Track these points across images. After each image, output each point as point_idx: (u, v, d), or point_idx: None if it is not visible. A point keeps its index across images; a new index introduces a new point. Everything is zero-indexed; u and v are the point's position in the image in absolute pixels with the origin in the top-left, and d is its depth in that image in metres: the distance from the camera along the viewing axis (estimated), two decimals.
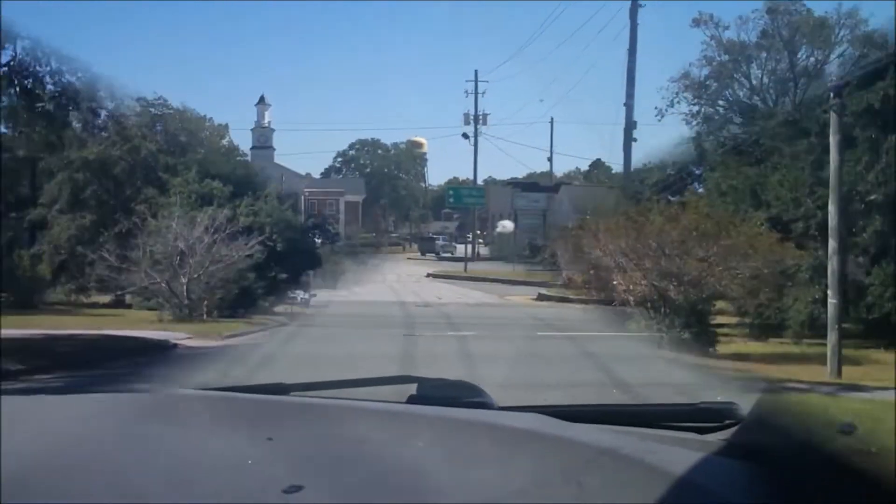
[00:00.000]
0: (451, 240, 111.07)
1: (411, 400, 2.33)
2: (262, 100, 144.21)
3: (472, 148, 75.99)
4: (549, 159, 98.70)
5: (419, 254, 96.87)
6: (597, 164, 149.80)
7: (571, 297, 22.62)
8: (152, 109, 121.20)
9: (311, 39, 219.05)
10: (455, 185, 45.25)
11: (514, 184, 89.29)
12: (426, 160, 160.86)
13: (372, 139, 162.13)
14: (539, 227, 74.61)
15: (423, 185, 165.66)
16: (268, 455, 1.72)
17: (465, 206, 41.66)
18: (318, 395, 2.47)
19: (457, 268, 45.36)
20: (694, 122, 74.90)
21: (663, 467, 1.62)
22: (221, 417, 2.10)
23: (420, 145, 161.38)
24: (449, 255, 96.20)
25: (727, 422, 2.13)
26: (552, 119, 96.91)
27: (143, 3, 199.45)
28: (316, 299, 23.80)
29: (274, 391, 2.46)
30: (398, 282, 31.97)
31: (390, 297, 23.10)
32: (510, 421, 2.01)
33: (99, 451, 1.80)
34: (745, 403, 2.05)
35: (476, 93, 75.36)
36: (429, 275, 37.96)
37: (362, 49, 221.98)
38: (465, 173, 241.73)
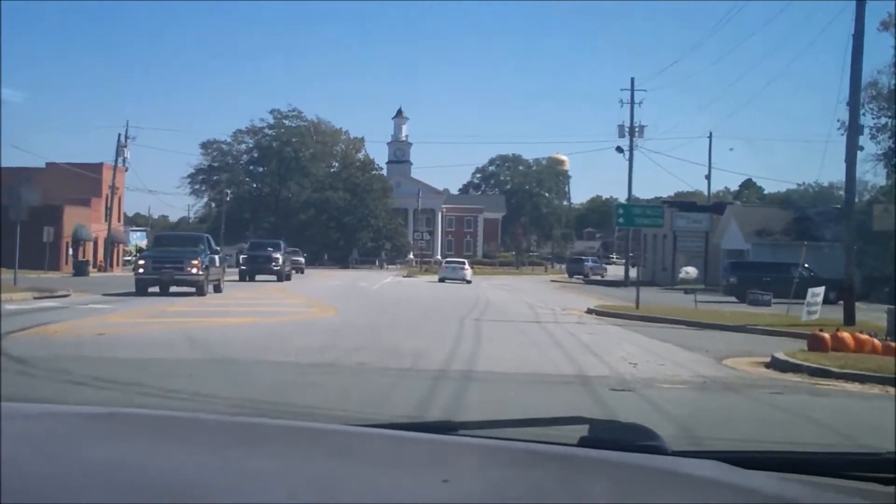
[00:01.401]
0: (600, 260, 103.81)
1: (582, 442, 2.24)
2: (399, 113, 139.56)
3: (626, 162, 67.76)
4: (707, 177, 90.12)
5: (566, 275, 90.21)
6: (748, 184, 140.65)
7: (859, 371, 14.84)
8: (286, 121, 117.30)
9: (449, 48, 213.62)
10: (625, 203, 36.27)
11: (671, 202, 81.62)
12: (569, 177, 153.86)
13: (513, 154, 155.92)
14: (700, 250, 66.59)
15: (566, 203, 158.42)
16: (444, 498, 1.70)
17: (637, 226, 32.96)
18: (488, 433, 2.39)
19: (621, 298, 38.14)
20: (880, 137, 65.78)
21: None
22: (391, 456, 2.10)
23: (562, 162, 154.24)
24: (599, 277, 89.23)
25: None
26: (711, 134, 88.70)
27: (275, 7, 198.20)
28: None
29: (443, 429, 2.40)
30: (555, 321, 24.73)
31: (558, 357, 15.83)
32: (688, 468, 1.98)
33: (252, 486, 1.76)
34: None
35: (632, 102, 67.58)
36: (590, 310, 30.42)
37: (503, 57, 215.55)
38: (606, 191, 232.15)
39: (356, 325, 20.82)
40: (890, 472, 1.99)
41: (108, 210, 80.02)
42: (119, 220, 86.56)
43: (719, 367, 15.41)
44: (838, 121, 66.81)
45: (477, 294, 42.63)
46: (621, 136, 68.10)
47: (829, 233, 56.91)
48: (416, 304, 31.95)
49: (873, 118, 64.39)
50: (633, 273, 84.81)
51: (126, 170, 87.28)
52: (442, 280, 62.82)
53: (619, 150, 67.79)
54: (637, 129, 67.76)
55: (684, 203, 78.23)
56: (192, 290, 32.36)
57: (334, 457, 2.06)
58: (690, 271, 41.00)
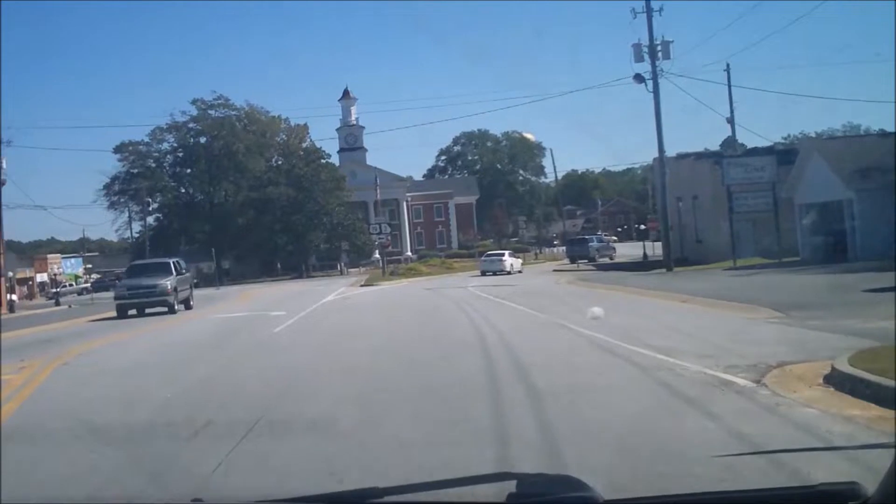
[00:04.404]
0: (606, 239, 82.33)
1: (511, 499, 2.11)
2: (346, 94, 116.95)
3: (651, 93, 46.50)
4: (730, 120, 69.24)
5: (567, 261, 69.53)
6: (729, 143, 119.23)
7: None
8: (212, 112, 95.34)
9: (391, 11, 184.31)
10: None
11: (702, 155, 60.80)
12: (545, 149, 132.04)
13: (479, 130, 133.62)
14: (768, 209, 45.46)
15: (545, 180, 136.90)
16: None
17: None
18: (415, 497, 2.23)
19: (775, 306, 17.08)
20: None
21: None
22: None
23: (529, 140, 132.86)
24: (608, 259, 68.46)
25: (850, 503, 1.98)
26: (728, 67, 67.43)
27: None
28: None
29: (368, 496, 2.21)
30: None
31: None
32: None
33: None
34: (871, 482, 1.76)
35: (649, 11, 46.28)
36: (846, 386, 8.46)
37: (458, 13, 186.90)
38: (581, 164, 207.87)
39: None
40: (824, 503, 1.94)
41: None
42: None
43: None
44: None
45: (469, 318, 21.66)
46: (638, 59, 46.99)
47: None
48: (327, 395, 10.38)
49: None
50: (630, 248, 64.44)
51: (3, 183, 65.39)
52: (483, 273, 57.66)
53: (640, 78, 46.64)
54: (661, 47, 46.52)
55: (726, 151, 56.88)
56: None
57: None
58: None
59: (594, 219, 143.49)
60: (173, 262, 36.65)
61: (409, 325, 21.42)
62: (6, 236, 68.84)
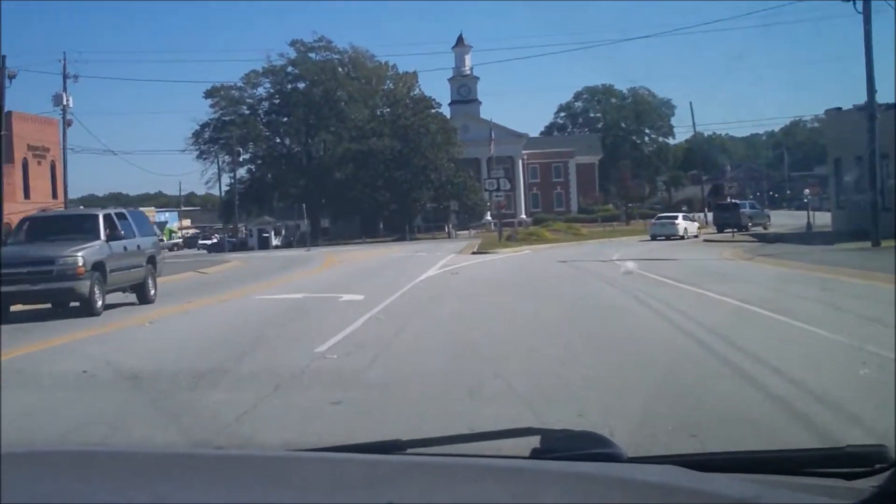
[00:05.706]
0: (760, 205, 70.90)
1: (535, 454, 2.12)
2: (460, 41, 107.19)
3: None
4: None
5: (714, 229, 58.79)
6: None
7: None
8: (312, 55, 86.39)
9: None
10: None
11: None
12: (673, 108, 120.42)
13: (603, 86, 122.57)
14: None
15: (672, 141, 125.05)
16: None
17: None
18: (438, 450, 2.26)
19: None
20: None
21: None
22: (335, 481, 1.94)
23: (656, 96, 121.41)
24: (762, 228, 57.55)
25: (878, 466, 1.89)
26: None
27: None
28: None
29: (390, 449, 2.22)
30: None
31: None
32: (642, 475, 1.89)
33: None
34: None
35: None
36: None
37: None
38: (707, 126, 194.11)
39: None
40: (850, 467, 1.87)
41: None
42: (59, 197, 56.73)
43: None
44: None
45: (679, 329, 11.86)
46: None
47: None
48: None
49: None
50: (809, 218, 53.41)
51: (69, 123, 57.38)
52: (654, 238, 53.70)
53: None
54: None
55: None
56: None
57: (274, 485, 1.86)
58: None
59: (720, 185, 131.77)
60: (104, 216, 19.93)
61: (578, 347, 11.42)
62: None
